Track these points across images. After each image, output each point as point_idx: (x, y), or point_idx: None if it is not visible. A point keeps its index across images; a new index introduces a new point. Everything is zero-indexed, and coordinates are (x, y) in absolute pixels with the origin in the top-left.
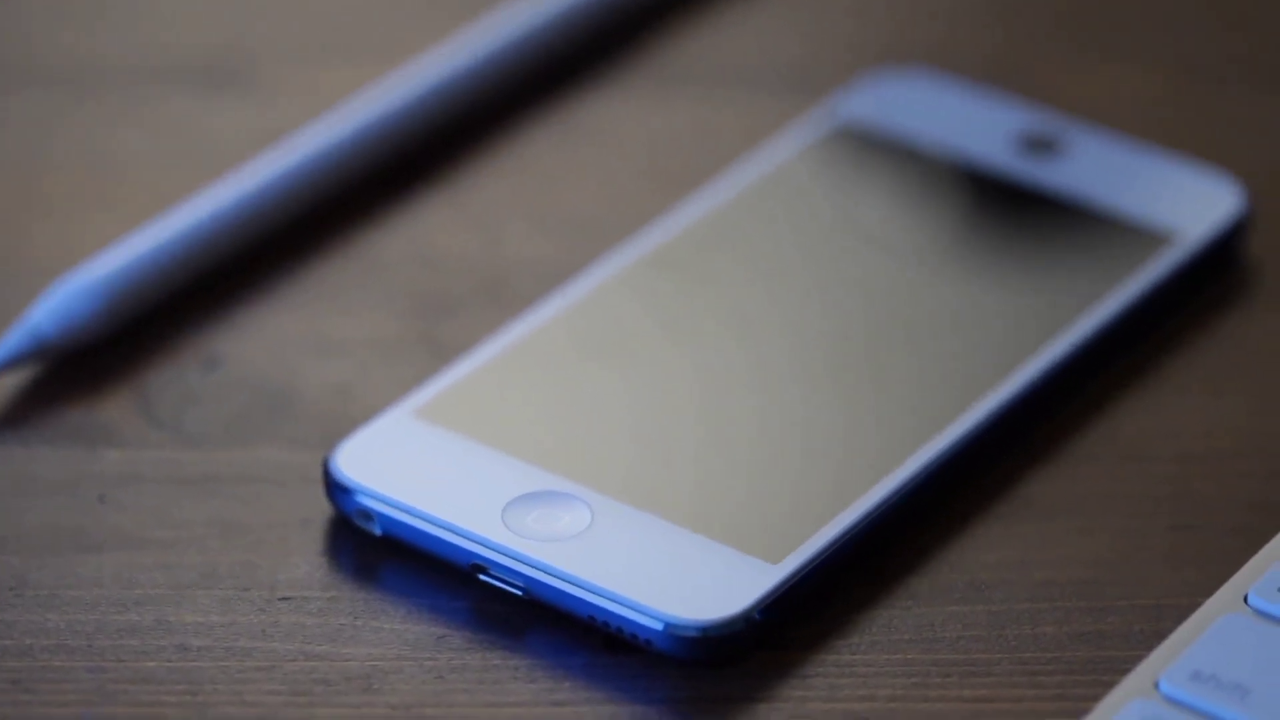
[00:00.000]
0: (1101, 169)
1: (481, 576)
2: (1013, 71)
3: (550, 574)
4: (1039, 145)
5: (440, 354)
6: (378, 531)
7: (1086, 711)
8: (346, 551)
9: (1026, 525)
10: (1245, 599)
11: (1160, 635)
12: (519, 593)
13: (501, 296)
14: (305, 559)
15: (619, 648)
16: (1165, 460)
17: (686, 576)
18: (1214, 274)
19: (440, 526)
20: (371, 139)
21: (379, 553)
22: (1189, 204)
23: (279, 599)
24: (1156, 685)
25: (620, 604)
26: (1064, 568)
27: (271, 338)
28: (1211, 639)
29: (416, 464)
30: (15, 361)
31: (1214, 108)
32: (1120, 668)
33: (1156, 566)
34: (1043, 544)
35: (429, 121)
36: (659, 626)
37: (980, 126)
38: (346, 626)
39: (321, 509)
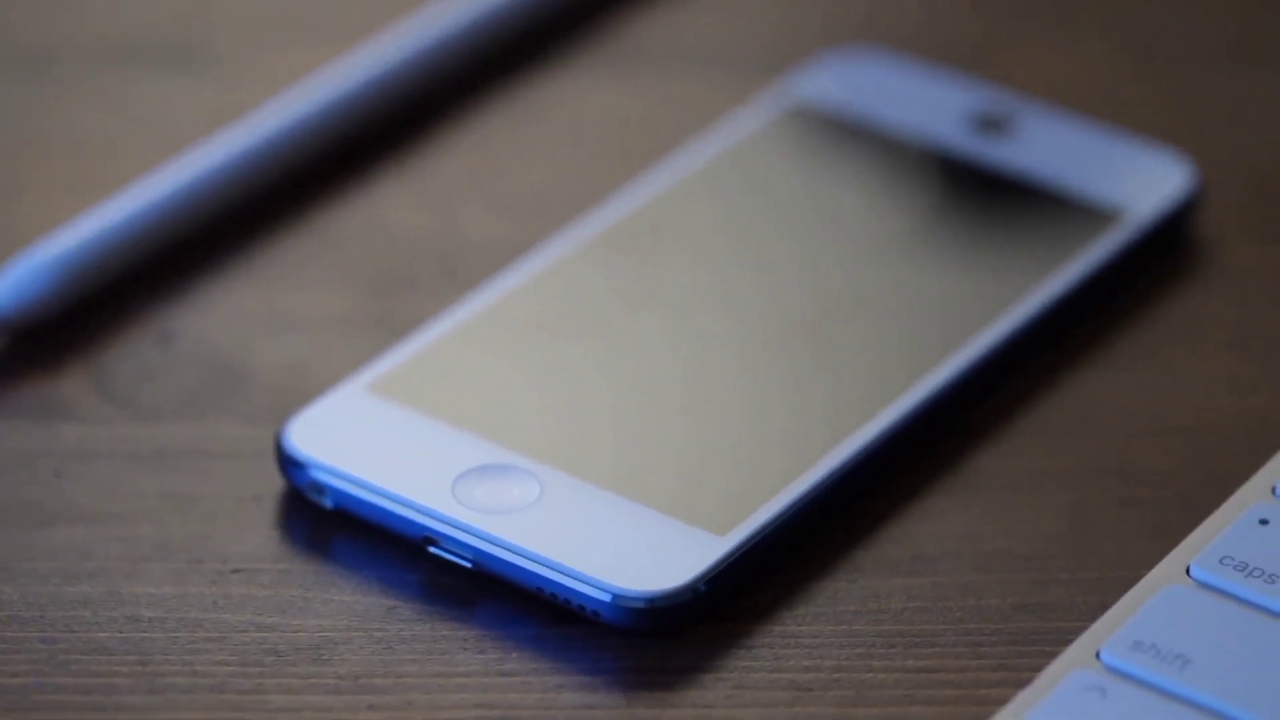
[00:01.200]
0: (1053, 147)
1: (431, 549)
2: (966, 51)
3: (499, 546)
4: (991, 124)
5: (395, 331)
6: (329, 505)
7: (1029, 681)
8: (298, 525)
9: (973, 499)
10: (1187, 571)
11: (1104, 607)
12: (468, 565)
13: (457, 274)
14: (257, 532)
15: (567, 619)
16: (1112, 435)
17: (634, 548)
18: (1164, 251)
19: (391, 499)
20: (328, 118)
21: (331, 526)
22: (1139, 182)
23: (231, 571)
24: (1098, 655)
25: (568, 575)
26: (1009, 540)
27: (227, 314)
28: (1153, 610)
29: (368, 438)
30: None
31: (1166, 87)
32: (1064, 639)
33: (1101, 540)
34: (989, 517)
35: (386, 100)
36: (606, 598)
37: (933, 105)
38: (297, 598)
39: (274, 483)
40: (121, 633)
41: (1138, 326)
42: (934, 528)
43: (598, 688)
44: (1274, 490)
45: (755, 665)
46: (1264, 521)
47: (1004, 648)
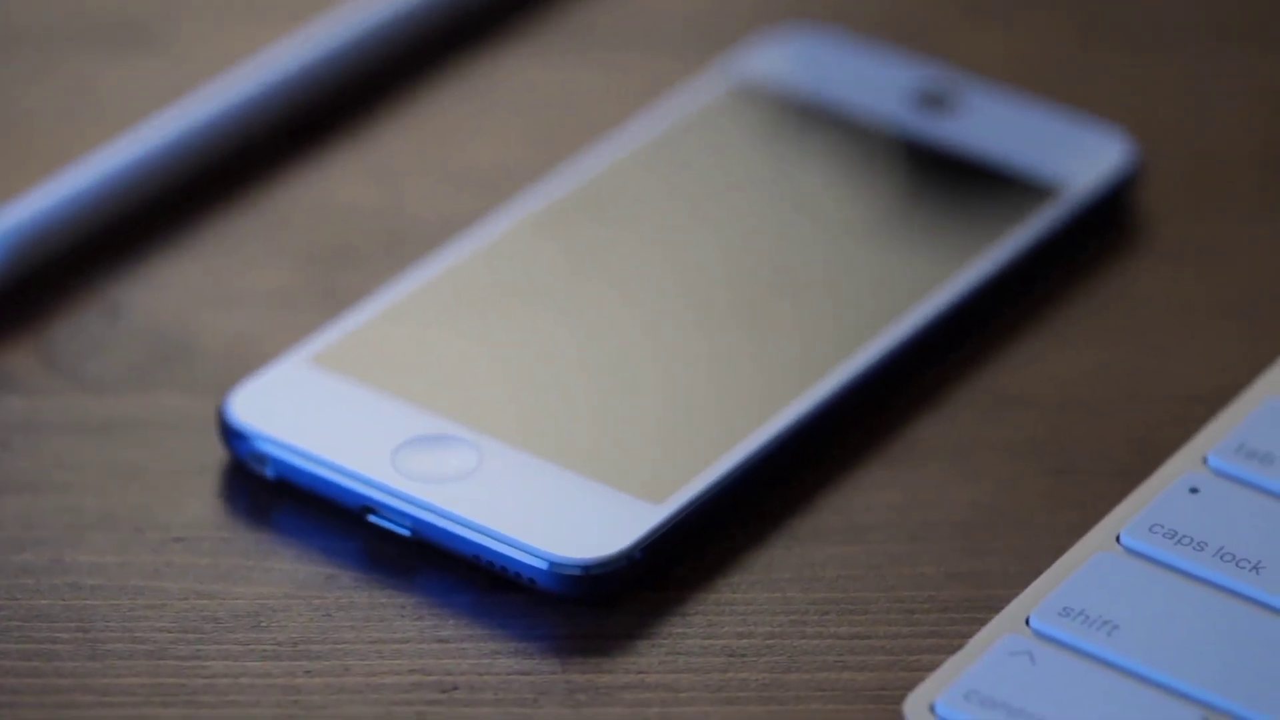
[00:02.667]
0: (994, 124)
1: (370, 518)
2: (909, 29)
3: (437, 515)
4: (933, 101)
5: (340, 305)
6: (271, 475)
7: (960, 648)
8: (240, 495)
9: (909, 469)
10: (1117, 539)
11: (1036, 575)
12: (407, 533)
13: (402, 250)
14: (200, 502)
15: (505, 587)
16: (1047, 406)
17: (571, 516)
18: (1103, 227)
19: (330, 469)
20: (276, 95)
21: (272, 496)
22: (1078, 158)
23: (173, 540)
24: (1027, 621)
25: (505, 543)
26: (944, 510)
27: (174, 288)
28: (1083, 577)
29: (309, 409)
30: None
31: (1107, 64)
32: (996, 606)
33: (1035, 509)
34: (924, 487)
35: (334, 78)
36: (543, 565)
37: (876, 83)
38: (238, 567)
39: (218, 454)
40: (63, 600)
41: (1075, 300)
42: (869, 497)
43: (533, 654)
44: (1205, 460)
45: (690, 632)
46: (1194, 490)
47: (936, 615)
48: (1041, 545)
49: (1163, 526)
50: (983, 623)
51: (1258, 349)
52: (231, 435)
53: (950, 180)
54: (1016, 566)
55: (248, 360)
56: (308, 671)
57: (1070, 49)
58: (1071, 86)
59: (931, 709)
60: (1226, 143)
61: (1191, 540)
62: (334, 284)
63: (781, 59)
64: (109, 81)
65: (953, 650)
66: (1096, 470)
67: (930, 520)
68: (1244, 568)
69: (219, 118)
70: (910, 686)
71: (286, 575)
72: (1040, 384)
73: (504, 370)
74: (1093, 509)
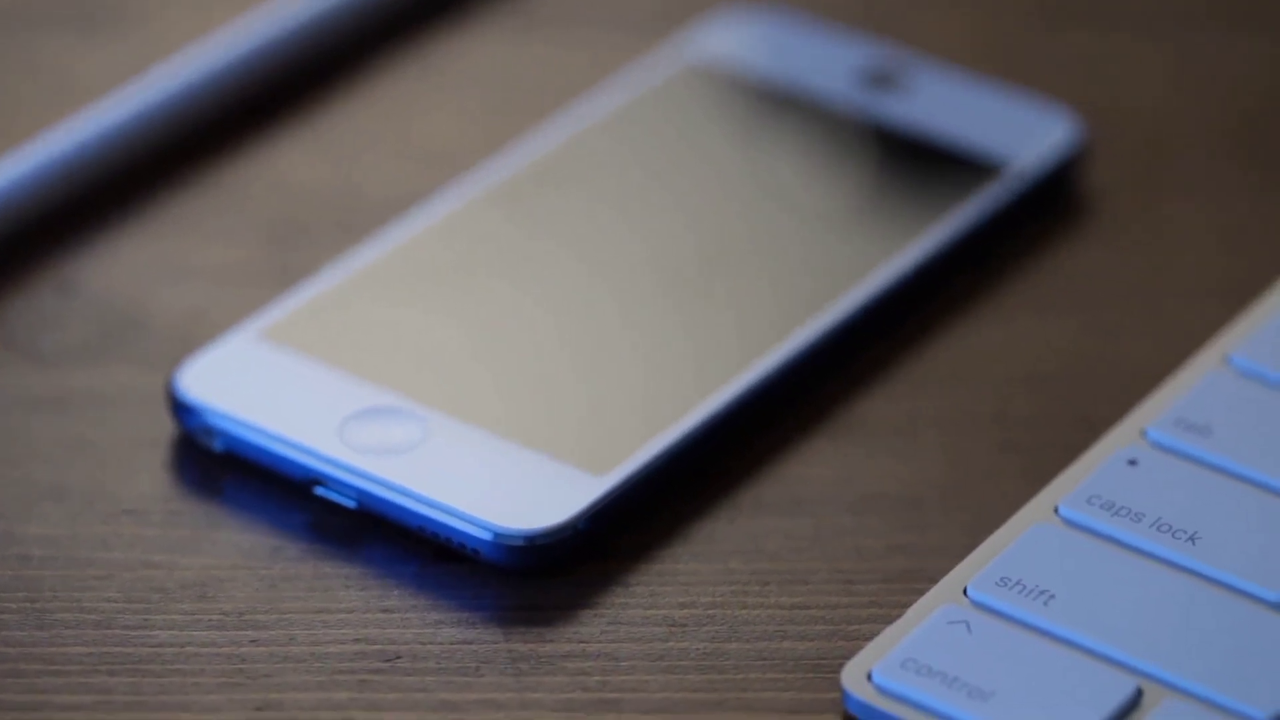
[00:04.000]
0: (942, 103)
1: (317, 490)
2: (861, 8)
3: (382, 486)
4: (883, 80)
5: (293, 282)
6: (219, 448)
7: (899, 617)
8: (190, 468)
9: (853, 442)
10: (1056, 510)
11: (977, 547)
12: (353, 505)
13: (355, 227)
14: (150, 475)
15: (450, 558)
16: (991, 382)
17: (515, 488)
18: (1049, 204)
19: (277, 442)
20: (230, 74)
21: (221, 469)
22: (1025, 137)
23: (122, 512)
24: (965, 591)
25: (450, 515)
26: (888, 483)
27: (127, 264)
28: (1020, 547)
29: (258, 382)
30: None
31: (1056, 45)
32: (936, 577)
33: (978, 482)
34: (868, 460)
35: (288, 56)
36: (487, 536)
37: (825, 62)
38: (185, 538)
39: (168, 428)
40: (12, 571)
41: (1020, 277)
42: (813, 470)
43: (476, 623)
44: (1144, 433)
45: (631, 602)
46: (1133, 463)
47: (876, 586)
48: (983, 518)
49: (1100, 498)
50: (922, 593)
51: (1199, 325)
52: (180, 409)
53: (898, 158)
54: (957, 539)
55: (200, 336)
56: (252, 641)
57: (1018, 29)
58: (1019, 66)
59: (869, 677)
60: (1172, 122)
61: (1129, 511)
62: (287, 260)
63: (734, 38)
64: (66, 61)
65: (892, 620)
66: (1039, 444)
67: (873, 493)
68: (1180, 538)
69: (173, 96)
70: (849, 656)
71: (233, 546)
72: (984, 359)
73: (451, 344)
74: (1034, 482)
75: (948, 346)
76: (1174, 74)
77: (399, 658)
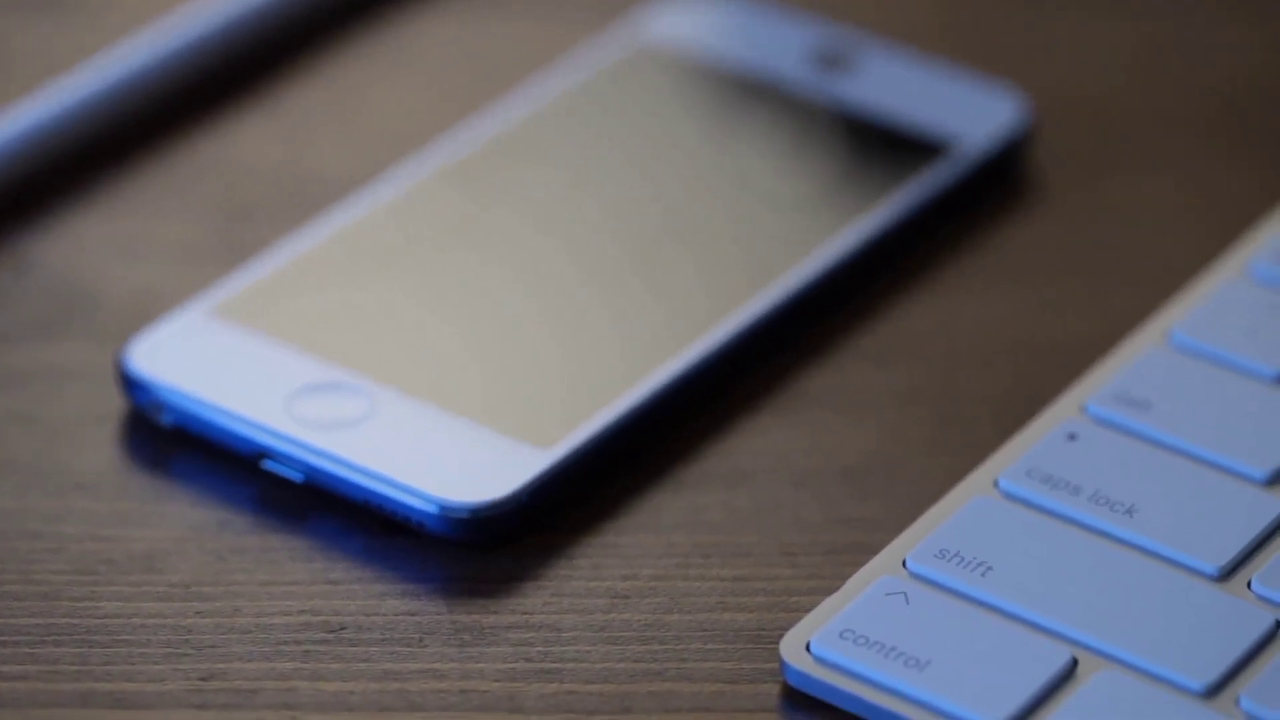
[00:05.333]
0: (891, 83)
1: (265, 464)
2: None
3: (329, 460)
4: (832, 60)
5: (245, 260)
6: (169, 423)
7: (839, 589)
8: (140, 443)
9: (796, 417)
10: (996, 483)
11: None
12: (300, 479)
13: (307, 206)
14: (100, 450)
15: (396, 531)
16: (933, 357)
17: (460, 461)
18: (995, 183)
19: (225, 416)
20: (183, 54)
21: (170, 444)
22: (973, 116)
23: (72, 486)
24: (904, 563)
25: (395, 488)
26: (830, 457)
27: (80, 242)
28: (959, 520)
29: (207, 358)
30: None
31: (1003, 24)
32: (877, 550)
33: (919, 456)
34: (811, 434)
35: (241, 37)
36: (432, 509)
37: (775, 43)
38: (134, 512)
39: (119, 403)
40: None
41: (965, 254)
42: (757, 444)
43: (420, 595)
44: (1083, 408)
45: (574, 574)
46: (1072, 437)
47: (818, 558)
48: (925, 491)
49: (1040, 471)
50: (863, 565)
51: (1142, 301)
52: (130, 384)
53: (847, 137)
54: (899, 512)
55: (152, 313)
56: (198, 612)
57: (967, 9)
58: (969, 46)
59: (807, 648)
60: (1120, 103)
61: (1067, 484)
62: (239, 239)
63: (685, 18)
64: (19, 42)
65: (832, 592)
66: (981, 419)
67: (816, 467)
68: (1118, 511)
69: (126, 76)
70: (789, 627)
71: (182, 520)
72: (928, 335)
73: (398, 320)
74: (976, 456)
75: (892, 322)
76: (1123, 56)
77: (343, 629)
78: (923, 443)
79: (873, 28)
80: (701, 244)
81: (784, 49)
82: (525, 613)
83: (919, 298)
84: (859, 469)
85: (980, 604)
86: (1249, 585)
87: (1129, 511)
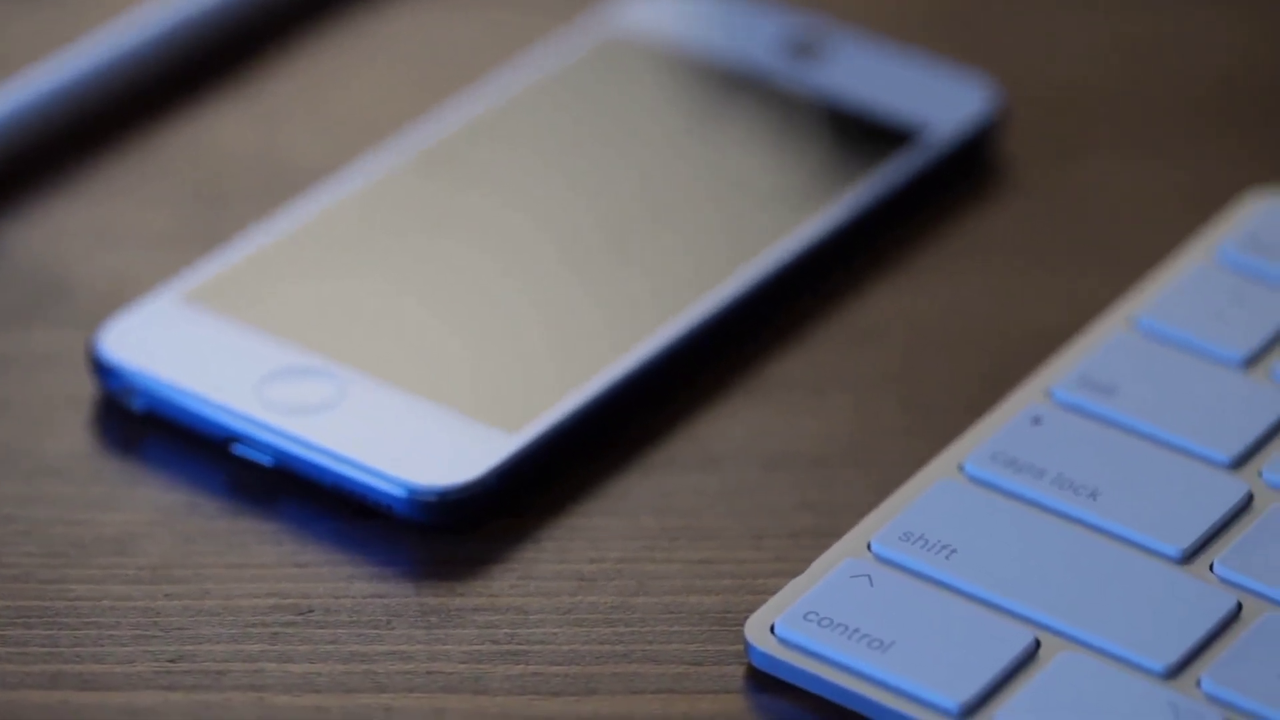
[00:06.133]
0: (861, 71)
1: (235, 448)
2: None
3: (298, 444)
4: (802, 49)
5: (218, 246)
6: (140, 407)
7: (805, 571)
8: (111, 427)
9: (764, 401)
10: (961, 467)
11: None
12: (269, 463)
13: (280, 193)
14: (71, 434)
15: (366, 515)
16: (900, 342)
17: (429, 445)
18: (966, 169)
19: (196, 401)
20: (158, 41)
21: (141, 428)
22: (942, 103)
23: (43, 470)
24: (869, 546)
25: (365, 472)
26: (798, 441)
27: (54, 229)
28: (925, 503)
29: (178, 343)
30: None
31: (973, 11)
32: (843, 533)
33: (886, 440)
34: (779, 419)
35: (216, 25)
36: (401, 493)
37: (745, 32)
38: (104, 495)
39: (91, 388)
40: None
41: (934, 240)
42: (725, 428)
43: (388, 578)
44: (1048, 392)
45: (542, 557)
46: (1036, 421)
47: (784, 541)
48: (891, 476)
49: (1004, 455)
50: (828, 548)
51: (1109, 287)
52: (101, 369)
53: (817, 125)
54: (866, 496)
55: (125, 299)
56: (167, 595)
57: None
58: (941, 35)
59: (772, 629)
60: (1088, 91)
61: (1032, 468)
62: (212, 226)
63: (655, 8)
64: None
65: (797, 573)
66: (948, 404)
67: (784, 451)
68: (1081, 494)
69: (100, 63)
70: (755, 609)
71: (152, 504)
72: (896, 321)
73: (370, 306)
74: (943, 441)
75: (861, 308)
76: (1095, 45)
77: (311, 611)
78: (890, 428)
79: (845, 17)
80: (671, 230)
81: (754, 37)
82: (492, 595)
83: (888, 283)
84: (827, 453)
85: (944, 586)
86: (1211, 568)
87: (1093, 495)
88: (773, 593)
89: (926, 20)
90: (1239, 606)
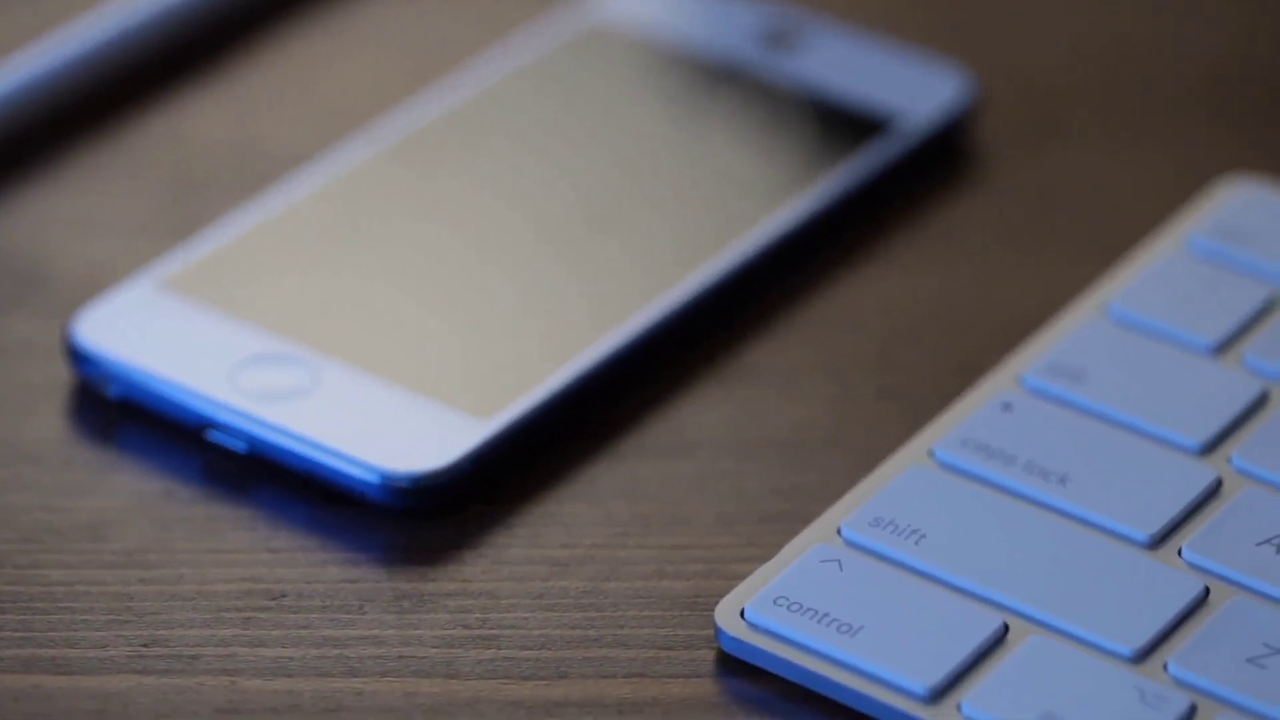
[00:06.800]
0: (836, 60)
1: (209, 434)
2: None
3: (272, 430)
4: (777, 39)
5: (194, 235)
6: (115, 394)
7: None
8: (87, 414)
9: (739, 389)
10: (931, 453)
11: None
12: (243, 449)
13: (257, 182)
14: (47, 421)
15: (339, 500)
16: (874, 330)
17: (402, 432)
18: (940, 158)
19: (170, 387)
20: (136, 31)
21: (117, 415)
22: (916, 92)
23: (19, 457)
24: (839, 531)
25: (338, 458)
26: (771, 429)
27: (30, 218)
28: (895, 489)
29: (153, 330)
30: None
31: (950, 2)
32: (814, 519)
33: (859, 428)
34: (752, 407)
35: (194, 14)
36: (374, 479)
37: (721, 21)
38: (80, 482)
39: (67, 375)
40: None
41: (907, 229)
42: (698, 415)
43: (361, 563)
44: (1019, 379)
45: (514, 542)
46: (1007, 407)
47: (756, 527)
48: (863, 463)
49: (974, 441)
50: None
51: (1082, 275)
52: (77, 357)
53: (792, 115)
54: (838, 482)
55: (102, 287)
56: (141, 580)
57: None
58: (912, 23)
59: (742, 614)
60: (1062, 77)
61: (1002, 454)
62: (189, 214)
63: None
64: None
65: (768, 558)
66: (920, 392)
67: (757, 438)
68: (1051, 480)
69: (77, 52)
70: (725, 594)
71: (127, 490)
72: (869, 310)
73: (343, 293)
74: (914, 427)
75: (834, 296)
76: (1069, 35)
77: (284, 596)
78: (863, 415)
79: (819, 6)
80: (645, 219)
81: (730, 27)
82: (464, 580)
83: (861, 272)
84: (800, 441)
85: (913, 571)
86: (1179, 553)
87: (1062, 480)
88: (743, 578)
89: (900, 9)
90: (1206, 591)
